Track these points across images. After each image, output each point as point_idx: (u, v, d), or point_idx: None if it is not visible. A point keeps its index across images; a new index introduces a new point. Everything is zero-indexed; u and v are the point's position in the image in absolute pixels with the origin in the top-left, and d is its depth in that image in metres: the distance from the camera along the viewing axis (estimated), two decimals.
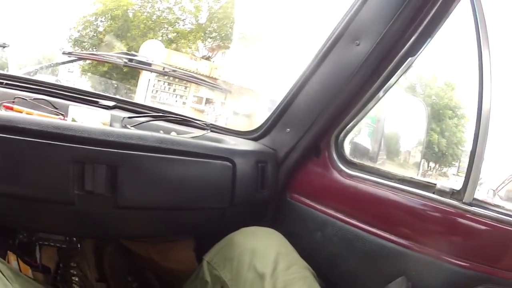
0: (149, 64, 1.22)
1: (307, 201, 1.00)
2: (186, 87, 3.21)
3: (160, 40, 3.36)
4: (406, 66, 0.89)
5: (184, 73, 1.30)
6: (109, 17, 3.34)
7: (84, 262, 1.19)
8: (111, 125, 0.98)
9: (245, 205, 0.99)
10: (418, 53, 0.88)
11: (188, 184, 0.88)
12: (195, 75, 1.32)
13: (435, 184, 0.84)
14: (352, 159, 0.99)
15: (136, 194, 0.81)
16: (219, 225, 0.98)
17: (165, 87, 3.16)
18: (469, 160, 0.80)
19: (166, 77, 2.99)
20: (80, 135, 0.75)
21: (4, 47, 1.25)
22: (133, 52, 1.26)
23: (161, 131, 1.01)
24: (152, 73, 3.07)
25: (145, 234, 1.03)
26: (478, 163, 0.79)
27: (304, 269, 0.83)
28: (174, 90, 3.23)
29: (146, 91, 2.96)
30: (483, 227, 0.77)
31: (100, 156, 0.76)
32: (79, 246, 1.05)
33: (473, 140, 0.80)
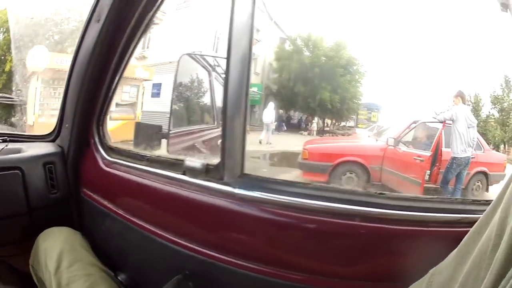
0: None
1: (93, 195, 0.94)
2: None
3: (48, 43, 3.22)
4: (146, 22, 0.82)
5: None
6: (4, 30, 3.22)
7: None
8: None
9: (44, 208, 0.95)
10: (156, 6, 0.80)
11: None
12: None
13: (183, 161, 0.68)
14: (112, 144, 0.91)
15: None
16: (32, 230, 0.93)
17: (50, 92, 3.04)
18: (222, 133, 0.63)
19: (51, 83, 2.96)
20: None
21: None
22: None
23: None
24: (38, 80, 3.00)
25: None
26: (234, 133, 0.62)
27: (89, 266, 0.81)
28: (59, 93, 3.10)
29: (34, 99, 2.85)
30: (252, 212, 0.60)
31: None
32: None
33: (222, 107, 0.64)
